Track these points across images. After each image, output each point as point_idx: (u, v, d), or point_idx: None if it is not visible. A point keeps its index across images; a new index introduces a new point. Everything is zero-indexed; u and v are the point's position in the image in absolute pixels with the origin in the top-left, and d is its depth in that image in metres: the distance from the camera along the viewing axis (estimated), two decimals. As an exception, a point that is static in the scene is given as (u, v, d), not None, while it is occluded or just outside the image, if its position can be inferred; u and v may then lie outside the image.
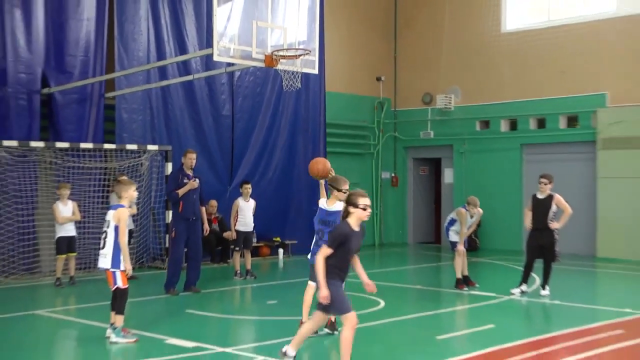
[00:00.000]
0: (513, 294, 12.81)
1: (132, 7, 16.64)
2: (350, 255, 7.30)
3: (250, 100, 18.83)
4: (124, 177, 9.56)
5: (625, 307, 11.58)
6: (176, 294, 12.80)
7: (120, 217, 9.14)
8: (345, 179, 9.51)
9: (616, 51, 19.06)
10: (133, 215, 14.40)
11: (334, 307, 7.16)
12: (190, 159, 13.19)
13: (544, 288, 12.84)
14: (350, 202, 7.26)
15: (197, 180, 13.06)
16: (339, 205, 9.11)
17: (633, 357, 8.52)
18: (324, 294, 6.97)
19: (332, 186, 9.40)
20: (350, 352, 7.06)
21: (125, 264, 9.09)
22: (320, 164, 9.62)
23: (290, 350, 7.40)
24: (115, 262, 9.04)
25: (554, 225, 12.71)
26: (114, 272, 9.05)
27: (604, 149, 18.96)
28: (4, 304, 12.34)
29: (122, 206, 9.30)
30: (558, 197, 12.78)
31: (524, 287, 12.93)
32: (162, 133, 17.12)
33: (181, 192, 12.78)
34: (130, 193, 9.43)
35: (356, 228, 7.20)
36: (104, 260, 9.10)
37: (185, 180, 12.92)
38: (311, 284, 9.56)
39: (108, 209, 14.49)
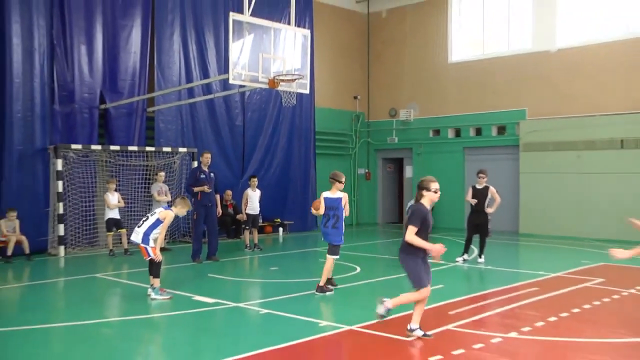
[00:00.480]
0: (457, 261, 12.84)
1: (168, 43, 16.61)
2: (428, 231, 6.78)
3: (257, 114, 18.77)
4: (187, 200, 9.74)
5: (540, 270, 11.66)
6: (201, 262, 12.78)
7: (166, 217, 9.23)
8: (342, 174, 9.77)
9: (533, 77, 19.05)
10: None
11: (412, 280, 6.80)
12: (206, 158, 13.21)
13: (480, 257, 12.88)
14: (423, 186, 6.81)
15: (215, 195, 13.26)
16: (339, 194, 9.53)
17: (545, 307, 8.54)
18: (437, 248, 6.65)
19: (334, 179, 9.61)
20: (400, 304, 6.95)
21: (157, 249, 9.12)
22: (317, 204, 9.69)
23: (389, 303, 6.96)
24: (145, 240, 9.10)
25: (489, 210, 12.74)
26: (145, 247, 9.08)
27: (525, 151, 18.98)
28: (72, 268, 12.40)
29: (171, 210, 9.34)
30: (492, 189, 12.81)
31: (465, 256, 12.96)
32: (190, 138, 17.05)
33: (196, 189, 12.80)
34: (182, 211, 9.51)
35: (429, 208, 6.82)
36: (136, 236, 9.19)
37: (202, 176, 12.91)
38: (329, 257, 9.67)
39: (150, 197, 14.82)
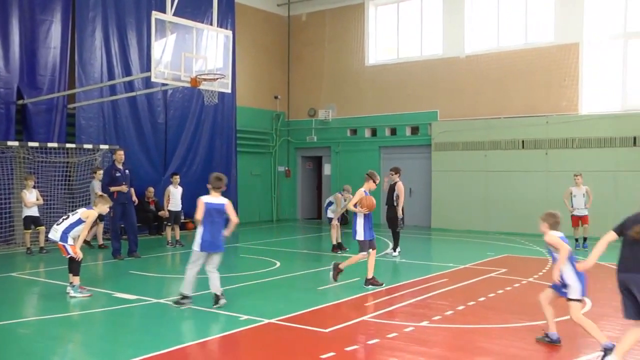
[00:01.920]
0: (388, 253, 13.03)
1: (90, 40, 16.01)
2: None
3: (180, 112, 18.40)
4: (107, 196, 9.46)
5: (449, 263, 11.99)
6: (122, 259, 12.40)
7: (89, 216, 8.86)
8: (377, 175, 9.92)
9: (444, 81, 19.59)
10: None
11: None
12: (120, 155, 12.85)
13: (394, 250, 13.09)
14: None
15: (130, 189, 12.75)
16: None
17: (454, 296, 8.79)
18: (586, 265, 5.65)
19: (370, 177, 9.77)
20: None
21: (77, 247, 8.78)
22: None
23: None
24: (63, 238, 8.72)
25: (399, 210, 12.93)
26: (64, 245, 8.71)
27: (436, 151, 19.50)
28: (-15, 268, 11.67)
29: (93, 210, 8.99)
30: (399, 184, 13.04)
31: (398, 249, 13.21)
32: (112, 135, 16.50)
33: (113, 189, 12.37)
34: (104, 208, 9.16)
35: None
36: (54, 234, 8.80)
37: (118, 174, 12.53)
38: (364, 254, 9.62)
39: (70, 193, 14.18)
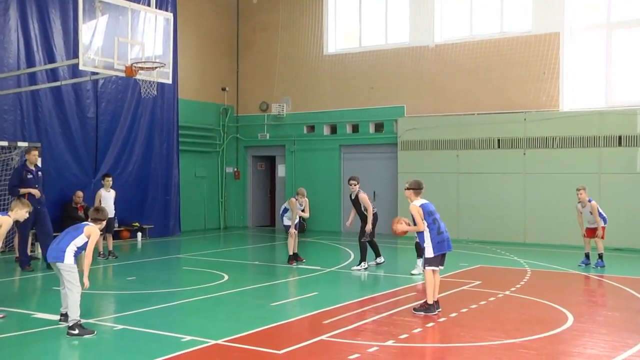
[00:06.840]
0: (370, 265, 13.04)
1: (2, 19, 15.49)
2: None
3: (113, 105, 18.10)
4: (26, 200, 9.14)
5: (418, 274, 12.02)
6: (31, 270, 12.23)
7: (3, 223, 8.55)
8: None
9: (411, 73, 19.78)
10: None
11: None
12: (33, 155, 12.72)
13: (359, 264, 13.12)
14: None
15: (40, 186, 12.58)
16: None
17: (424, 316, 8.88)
18: None
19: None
20: None
21: None
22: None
23: None
24: None
25: (368, 227, 12.98)
26: None
27: (403, 150, 19.66)
28: None
29: (7, 215, 8.71)
30: (362, 195, 13.11)
31: (378, 260, 13.34)
32: (32, 131, 16.07)
33: (23, 191, 12.18)
34: (21, 214, 8.82)
35: None
36: None
37: (30, 176, 12.40)
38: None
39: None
